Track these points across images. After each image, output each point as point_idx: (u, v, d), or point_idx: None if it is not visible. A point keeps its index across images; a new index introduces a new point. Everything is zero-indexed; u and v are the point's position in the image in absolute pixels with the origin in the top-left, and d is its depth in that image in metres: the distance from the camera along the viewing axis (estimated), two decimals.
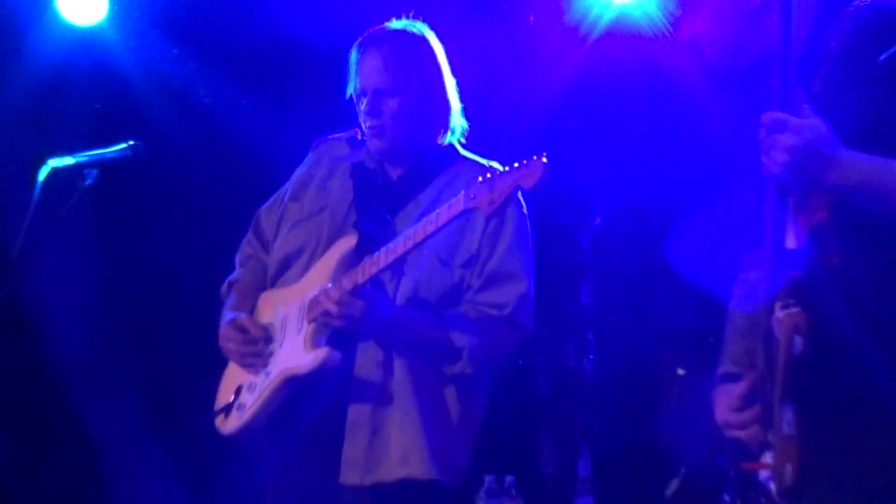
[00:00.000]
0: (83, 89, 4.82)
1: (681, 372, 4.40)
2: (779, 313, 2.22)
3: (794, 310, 2.19)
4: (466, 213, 2.95)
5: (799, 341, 2.16)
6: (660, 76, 2.80)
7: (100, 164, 3.19)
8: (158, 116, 4.81)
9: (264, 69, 4.70)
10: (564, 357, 5.19)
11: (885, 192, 2.14)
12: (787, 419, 2.18)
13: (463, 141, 3.31)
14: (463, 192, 2.94)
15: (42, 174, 3.09)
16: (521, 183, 2.87)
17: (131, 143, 3.23)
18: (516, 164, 2.88)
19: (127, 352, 4.91)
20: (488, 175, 2.89)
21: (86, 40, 4.80)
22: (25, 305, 4.28)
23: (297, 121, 4.18)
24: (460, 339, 3.09)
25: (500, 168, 2.95)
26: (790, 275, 2.21)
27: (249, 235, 3.47)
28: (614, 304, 5.21)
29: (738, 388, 2.34)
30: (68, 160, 3.16)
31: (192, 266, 4.25)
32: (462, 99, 3.28)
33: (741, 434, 2.33)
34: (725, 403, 2.37)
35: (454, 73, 3.26)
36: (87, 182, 3.16)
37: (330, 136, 3.45)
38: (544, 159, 2.81)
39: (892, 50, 2.10)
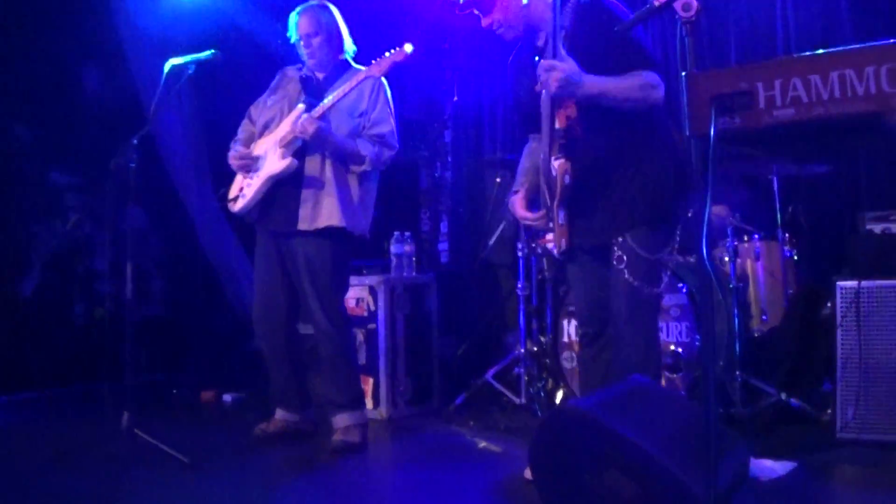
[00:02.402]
0: (187, 27, 5.75)
1: (498, 180, 5.46)
2: (554, 162, 2.81)
3: (563, 159, 2.80)
4: (365, 79, 3.74)
5: (567, 177, 2.78)
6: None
7: (196, 63, 3.96)
8: (229, 40, 5.53)
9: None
10: (434, 168, 6.44)
11: (611, 93, 2.78)
12: (560, 216, 2.87)
13: (352, 58, 4.09)
14: (364, 69, 3.73)
15: (166, 67, 3.93)
16: (395, 58, 3.63)
17: (214, 51, 3.99)
18: (394, 49, 3.66)
19: (210, 160, 5.91)
20: (376, 60, 3.67)
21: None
22: (157, 139, 5.83)
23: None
24: (364, 149, 3.87)
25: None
26: (559, 142, 2.82)
27: (245, 119, 4.21)
28: (467, 142, 6.55)
29: (520, 197, 3.18)
30: (179, 59, 3.96)
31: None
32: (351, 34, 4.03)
33: (535, 224, 3.08)
34: (518, 206, 3.15)
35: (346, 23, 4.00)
36: (190, 72, 3.98)
37: (287, 67, 4.22)
38: (409, 45, 3.59)
39: (622, 25, 2.51)
